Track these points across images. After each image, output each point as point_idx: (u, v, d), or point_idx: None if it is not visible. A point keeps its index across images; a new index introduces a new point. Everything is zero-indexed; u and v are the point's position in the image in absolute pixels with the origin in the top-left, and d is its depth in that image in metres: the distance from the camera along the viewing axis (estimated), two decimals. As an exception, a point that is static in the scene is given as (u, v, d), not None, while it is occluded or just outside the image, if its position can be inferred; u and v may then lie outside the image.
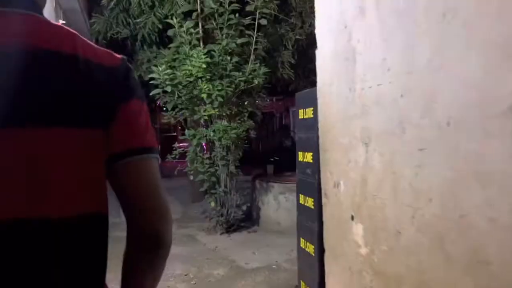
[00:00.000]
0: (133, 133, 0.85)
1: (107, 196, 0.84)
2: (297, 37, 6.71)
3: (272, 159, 8.07)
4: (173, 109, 5.99)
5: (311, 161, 2.68)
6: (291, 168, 4.11)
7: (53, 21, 0.85)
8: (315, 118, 2.48)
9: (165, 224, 0.88)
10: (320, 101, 2.32)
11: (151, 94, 5.55)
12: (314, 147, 2.52)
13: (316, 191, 2.54)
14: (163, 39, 6.64)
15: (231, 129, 5.60)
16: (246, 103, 5.88)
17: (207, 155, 5.93)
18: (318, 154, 2.36)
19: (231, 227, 6.07)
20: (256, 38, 5.67)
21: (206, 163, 5.85)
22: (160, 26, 6.31)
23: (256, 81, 5.56)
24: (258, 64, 5.62)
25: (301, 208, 2.95)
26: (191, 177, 6.36)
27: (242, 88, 5.66)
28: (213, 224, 6.09)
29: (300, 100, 2.97)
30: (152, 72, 5.57)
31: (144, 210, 0.86)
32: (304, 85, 6.57)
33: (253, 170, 8.02)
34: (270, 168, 7.46)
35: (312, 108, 2.62)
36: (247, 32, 5.66)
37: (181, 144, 10.02)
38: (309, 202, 2.76)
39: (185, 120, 6.35)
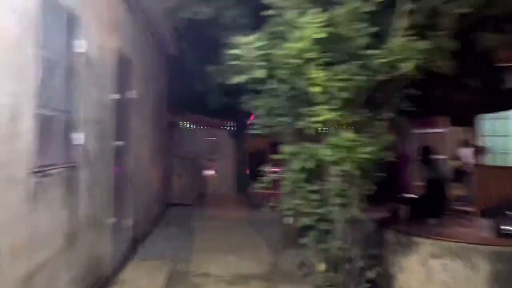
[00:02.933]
0: None
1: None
2: None
3: (405, 195, 5.54)
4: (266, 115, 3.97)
5: None
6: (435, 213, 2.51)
7: None
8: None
9: None
10: None
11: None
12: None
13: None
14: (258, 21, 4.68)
15: (360, 146, 3.34)
16: (387, 103, 3.58)
17: (315, 187, 3.71)
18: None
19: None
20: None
21: (313, 200, 3.65)
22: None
23: (405, 65, 3.26)
24: (412, 37, 3.31)
25: None
26: (288, 220, 4.18)
27: (382, 78, 3.39)
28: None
29: None
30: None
31: None
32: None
33: (373, 208, 5.59)
34: (404, 210, 4.97)
35: None
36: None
37: (274, 169, 8.19)
38: None
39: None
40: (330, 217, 3.71)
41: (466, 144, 9.94)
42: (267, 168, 7.48)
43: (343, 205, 3.61)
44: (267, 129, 4.23)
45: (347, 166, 3.40)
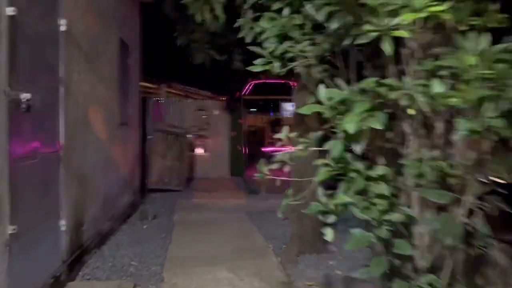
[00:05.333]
0: None
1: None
2: None
3: None
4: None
5: None
6: None
7: None
8: None
9: None
10: None
11: None
12: None
13: None
14: None
15: None
16: None
17: (382, 171, 1.82)
18: None
19: None
20: None
21: (380, 197, 1.77)
22: None
23: None
24: None
25: None
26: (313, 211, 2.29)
27: None
28: None
29: None
30: None
31: None
32: None
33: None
34: None
35: None
36: None
37: (281, 148, 6.10)
38: None
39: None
40: (411, 228, 1.86)
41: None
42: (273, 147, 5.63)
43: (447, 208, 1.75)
44: (278, 64, 2.36)
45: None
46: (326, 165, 1.83)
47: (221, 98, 10.96)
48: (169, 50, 8.48)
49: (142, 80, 9.38)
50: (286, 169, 2.16)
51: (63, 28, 3.35)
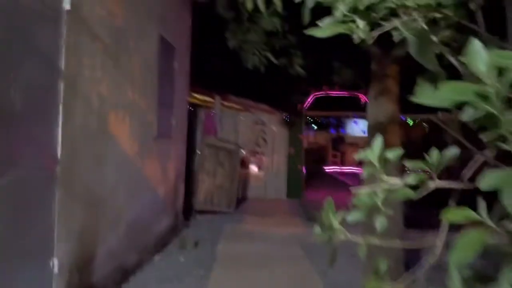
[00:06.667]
0: None
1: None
2: None
3: None
4: None
5: None
6: None
7: None
8: None
9: None
10: None
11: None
12: None
13: None
14: None
15: None
16: None
17: None
18: None
19: None
20: None
21: None
22: None
23: None
24: None
25: None
26: None
27: None
28: None
29: None
30: None
31: None
32: None
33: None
34: None
35: None
36: None
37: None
38: None
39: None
40: None
41: None
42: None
43: None
44: (363, 24, 1.29)
45: None
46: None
47: (279, 112, 9.99)
48: (223, 57, 7.73)
49: (192, 89, 8.69)
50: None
51: (67, 6, 2.56)
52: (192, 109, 7.91)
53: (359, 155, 1.08)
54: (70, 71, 2.65)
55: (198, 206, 7.41)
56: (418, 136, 10.16)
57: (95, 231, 3.20)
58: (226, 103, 10.66)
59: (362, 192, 1.07)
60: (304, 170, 9.51)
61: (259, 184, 9.40)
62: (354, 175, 15.66)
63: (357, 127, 22.53)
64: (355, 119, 22.19)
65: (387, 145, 2.90)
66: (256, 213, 7.75)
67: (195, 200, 7.38)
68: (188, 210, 7.05)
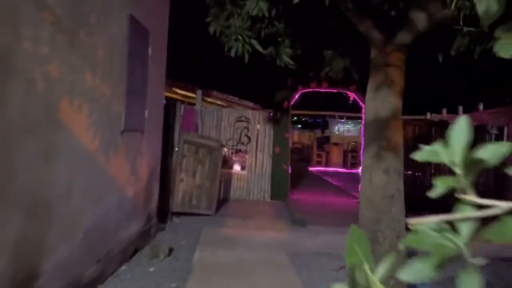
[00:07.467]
0: None
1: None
2: None
3: None
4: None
5: None
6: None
7: None
8: None
9: None
10: None
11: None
12: None
13: None
14: None
15: None
16: None
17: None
18: None
19: None
20: None
21: None
22: None
23: None
24: None
25: None
26: None
27: None
28: None
29: None
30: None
31: None
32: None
33: None
34: None
35: None
36: None
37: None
38: None
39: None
40: None
41: None
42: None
43: None
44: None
45: None
46: None
47: (264, 109, 9.46)
48: (205, 46, 7.18)
49: (172, 83, 8.10)
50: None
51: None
52: (172, 104, 7.33)
53: (420, 155, 0.57)
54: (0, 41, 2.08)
55: (175, 207, 6.83)
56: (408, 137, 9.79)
57: (39, 242, 2.63)
58: (208, 99, 10.09)
59: (428, 224, 0.55)
60: (289, 170, 9.02)
61: (242, 184, 8.86)
62: (339, 175, 15.29)
63: (343, 127, 22.21)
64: (341, 119, 21.86)
65: (389, 144, 2.29)
66: (238, 215, 7.22)
67: (172, 201, 6.80)
68: (164, 212, 6.47)
